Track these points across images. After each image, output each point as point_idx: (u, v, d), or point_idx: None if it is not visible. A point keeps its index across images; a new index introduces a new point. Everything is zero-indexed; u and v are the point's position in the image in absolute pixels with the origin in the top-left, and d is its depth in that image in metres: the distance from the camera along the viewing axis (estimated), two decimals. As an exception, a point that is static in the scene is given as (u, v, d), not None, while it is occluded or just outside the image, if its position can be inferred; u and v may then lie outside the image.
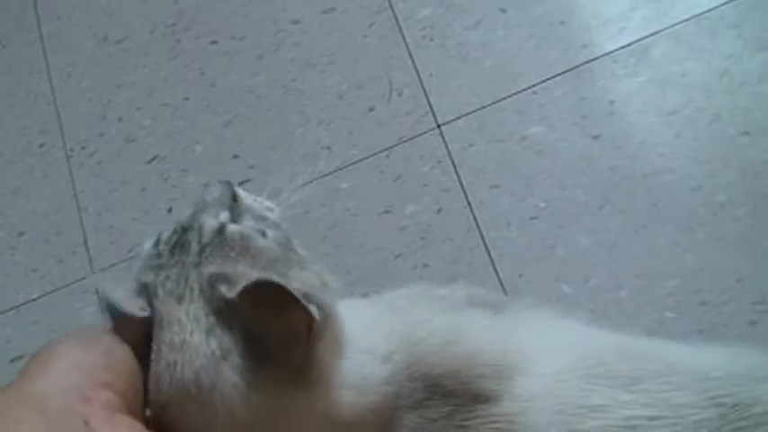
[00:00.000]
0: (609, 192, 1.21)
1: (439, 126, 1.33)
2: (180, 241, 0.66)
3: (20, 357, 1.41)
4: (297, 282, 0.63)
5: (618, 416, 0.64)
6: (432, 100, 1.34)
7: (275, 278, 0.58)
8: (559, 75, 1.29)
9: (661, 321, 1.13)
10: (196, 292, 0.62)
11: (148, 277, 0.65)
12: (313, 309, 0.59)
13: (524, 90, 1.30)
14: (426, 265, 1.26)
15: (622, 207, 1.20)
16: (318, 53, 1.44)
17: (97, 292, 0.64)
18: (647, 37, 1.26)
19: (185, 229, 0.67)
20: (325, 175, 1.35)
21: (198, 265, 0.64)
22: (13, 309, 1.46)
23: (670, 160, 1.20)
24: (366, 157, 1.35)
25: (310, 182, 1.34)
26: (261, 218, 0.71)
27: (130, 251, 1.42)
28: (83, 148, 1.53)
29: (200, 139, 1.45)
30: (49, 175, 1.53)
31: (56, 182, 1.52)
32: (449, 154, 1.30)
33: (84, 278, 1.43)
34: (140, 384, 0.59)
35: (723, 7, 1.24)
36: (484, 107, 1.31)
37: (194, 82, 1.50)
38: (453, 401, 0.65)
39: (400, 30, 1.40)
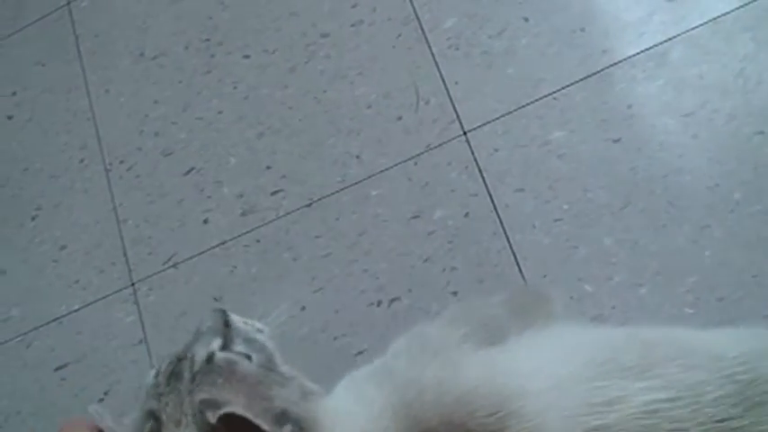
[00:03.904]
0: (630, 192, 1.38)
1: (465, 133, 1.51)
2: (174, 371, 0.83)
3: (63, 366, 1.63)
4: (278, 400, 0.79)
5: (636, 402, 0.73)
6: (458, 107, 1.53)
7: (240, 410, 0.74)
8: (580, 80, 1.46)
9: (680, 317, 1.29)
10: (189, 418, 0.78)
11: (153, 404, 0.81)
12: (286, 429, 0.75)
13: (547, 96, 1.48)
14: (454, 269, 1.44)
15: (643, 207, 1.36)
16: (347, 65, 1.64)
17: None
18: (664, 41, 1.43)
19: (180, 360, 0.84)
20: (356, 183, 1.55)
21: (191, 392, 0.80)
22: (56, 320, 1.68)
23: (688, 160, 1.36)
24: (395, 165, 1.54)
25: (340, 190, 1.55)
26: (249, 340, 0.88)
27: (168, 261, 1.63)
28: (121, 162, 1.75)
29: (234, 151, 1.66)
30: (90, 189, 1.76)
31: (96, 196, 1.74)
32: (475, 160, 1.49)
33: (123, 288, 1.65)
34: None
35: (737, 11, 1.40)
36: (508, 113, 1.49)
37: (228, 95, 1.71)
38: None
39: (426, 40, 1.60)
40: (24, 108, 1.89)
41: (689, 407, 0.72)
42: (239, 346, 0.86)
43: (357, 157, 1.57)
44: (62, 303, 1.69)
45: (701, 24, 1.42)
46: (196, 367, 0.82)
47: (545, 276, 1.38)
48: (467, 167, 1.49)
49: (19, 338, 1.68)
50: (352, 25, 1.67)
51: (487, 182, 1.47)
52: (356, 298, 1.48)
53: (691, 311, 1.29)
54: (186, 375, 0.82)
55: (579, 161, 1.43)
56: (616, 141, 1.41)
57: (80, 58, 1.88)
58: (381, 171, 1.54)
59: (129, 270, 1.66)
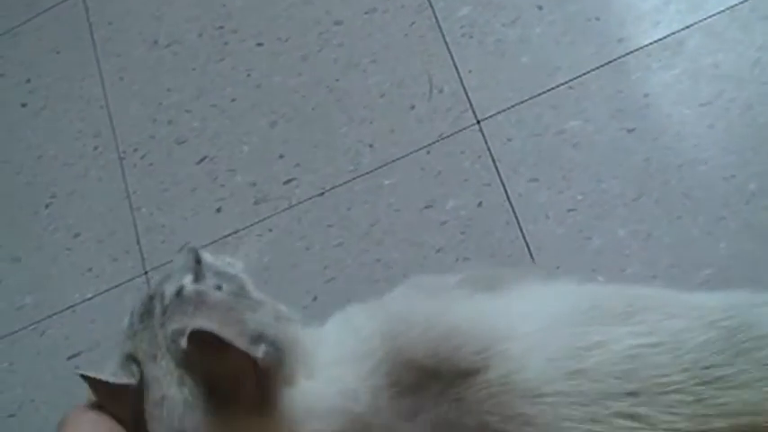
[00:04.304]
0: (644, 183, 1.37)
1: (478, 122, 1.51)
2: (146, 309, 0.86)
3: (77, 355, 1.65)
4: (252, 324, 0.82)
5: (618, 348, 0.75)
6: (471, 96, 1.53)
7: (207, 326, 0.76)
8: (595, 69, 1.46)
9: (694, 309, 1.29)
10: (163, 349, 0.81)
11: (129, 346, 0.84)
12: (260, 349, 0.78)
13: (561, 85, 1.47)
14: (467, 259, 1.44)
15: (657, 198, 1.36)
16: (360, 53, 1.64)
17: (82, 375, 0.83)
18: (680, 30, 1.42)
19: (151, 298, 0.87)
20: (368, 172, 1.55)
21: (162, 325, 0.83)
22: (69, 308, 1.69)
23: (703, 151, 1.36)
24: (407, 154, 1.54)
25: (353, 179, 1.55)
26: (220, 273, 0.90)
27: (181, 249, 1.63)
28: (135, 150, 1.76)
29: (248, 139, 1.67)
30: (103, 177, 1.77)
31: (109, 183, 1.76)
32: (488, 149, 1.49)
33: (136, 277, 1.66)
34: None
35: (755, -1, 1.40)
36: (522, 102, 1.49)
37: (241, 83, 1.72)
38: (442, 380, 0.79)
39: (440, 28, 1.59)
40: (38, 96, 1.90)
41: (671, 352, 0.73)
42: (210, 280, 0.88)
43: (370, 145, 1.57)
44: (75, 291, 1.70)
45: (718, 13, 1.41)
46: (166, 301, 0.85)
47: (558, 267, 1.38)
48: (480, 157, 1.49)
49: (32, 326, 1.70)
50: (366, 13, 1.67)
51: (501, 171, 1.47)
52: (369, 288, 1.48)
53: (705, 303, 1.29)
54: (157, 311, 0.84)
55: (594, 151, 1.42)
56: (631, 131, 1.41)
57: (94, 46, 1.89)
58: (394, 160, 1.54)
59: (143, 258, 1.67)
